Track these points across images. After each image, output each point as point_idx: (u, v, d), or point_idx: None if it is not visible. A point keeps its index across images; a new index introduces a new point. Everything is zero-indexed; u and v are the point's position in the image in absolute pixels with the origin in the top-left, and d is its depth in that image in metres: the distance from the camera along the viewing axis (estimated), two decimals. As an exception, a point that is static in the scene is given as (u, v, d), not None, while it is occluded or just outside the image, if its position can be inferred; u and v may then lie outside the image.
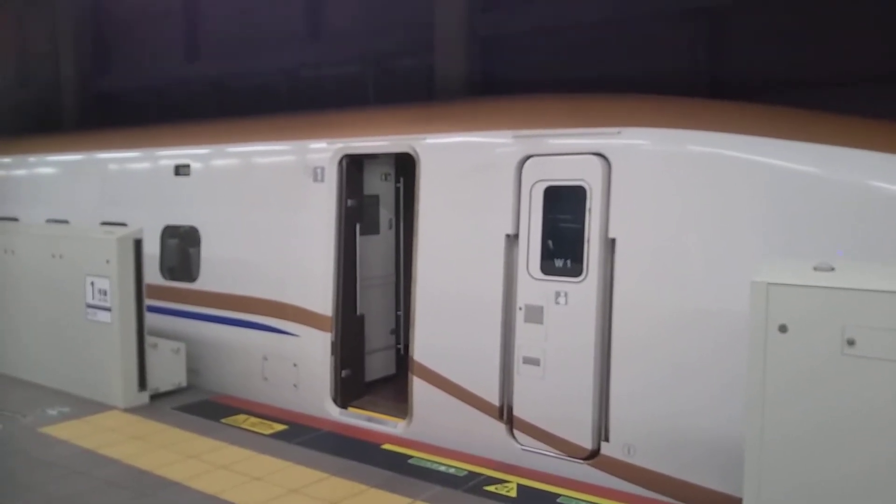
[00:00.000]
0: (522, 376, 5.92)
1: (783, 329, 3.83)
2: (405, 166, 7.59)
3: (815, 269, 3.98)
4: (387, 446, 6.15)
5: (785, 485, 3.84)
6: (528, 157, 6.02)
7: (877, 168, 4.85)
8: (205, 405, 7.30)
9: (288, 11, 12.56)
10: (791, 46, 9.46)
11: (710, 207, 5.28)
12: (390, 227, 8.35)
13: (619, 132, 5.68)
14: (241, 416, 6.93)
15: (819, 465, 3.76)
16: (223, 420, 6.83)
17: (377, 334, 7.96)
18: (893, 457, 3.59)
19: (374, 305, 7.90)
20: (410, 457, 5.88)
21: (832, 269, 3.96)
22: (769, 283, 3.88)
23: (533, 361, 5.86)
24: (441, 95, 10.54)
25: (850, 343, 3.67)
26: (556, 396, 5.74)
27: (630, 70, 9.78)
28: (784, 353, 3.83)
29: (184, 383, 7.74)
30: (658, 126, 5.59)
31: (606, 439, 5.54)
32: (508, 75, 11.84)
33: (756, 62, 10.01)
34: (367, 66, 12.22)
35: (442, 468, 5.64)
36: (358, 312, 7.52)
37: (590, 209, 5.69)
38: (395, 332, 8.30)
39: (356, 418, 7.00)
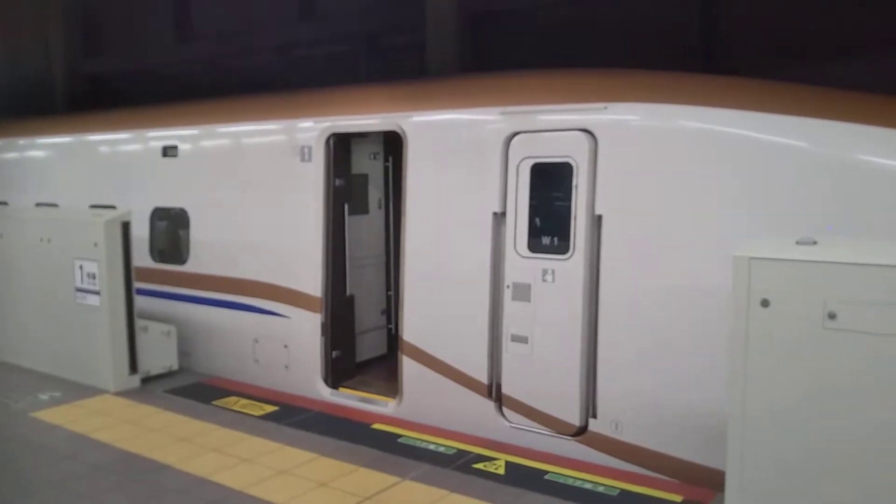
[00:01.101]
0: (511, 354, 5.91)
1: (765, 303, 3.81)
2: (394, 145, 7.54)
3: (798, 243, 3.95)
4: (377, 426, 6.17)
5: (767, 458, 3.85)
6: (515, 134, 5.97)
7: (869, 142, 4.78)
8: (196, 388, 7.31)
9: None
10: (786, 18, 9.35)
11: (696, 183, 5.23)
12: (380, 207, 8.31)
13: (605, 107, 5.62)
14: (233, 399, 6.94)
15: (800, 438, 3.77)
16: (214, 402, 6.84)
17: (368, 315, 7.96)
18: (873, 428, 3.59)
19: (365, 286, 7.89)
20: (400, 436, 5.90)
21: (815, 242, 3.93)
22: (751, 258, 3.86)
23: (521, 339, 5.86)
24: (433, 73, 10.47)
25: (832, 316, 3.65)
26: (544, 374, 5.74)
27: (624, 47, 9.71)
28: (766, 327, 3.81)
29: (175, 366, 7.75)
30: (645, 101, 5.53)
31: (594, 416, 5.55)
32: (501, 53, 11.77)
33: (750, 35, 9.93)
34: (358, 45, 12.14)
35: (431, 447, 5.66)
36: (348, 293, 7.51)
37: (576, 186, 5.64)
38: (386, 312, 8.29)
39: (347, 398, 7.01)
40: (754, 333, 3.84)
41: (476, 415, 6.05)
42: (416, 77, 9.21)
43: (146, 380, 7.44)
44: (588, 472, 5.17)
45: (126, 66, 14.73)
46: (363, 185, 8.05)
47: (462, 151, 6.29)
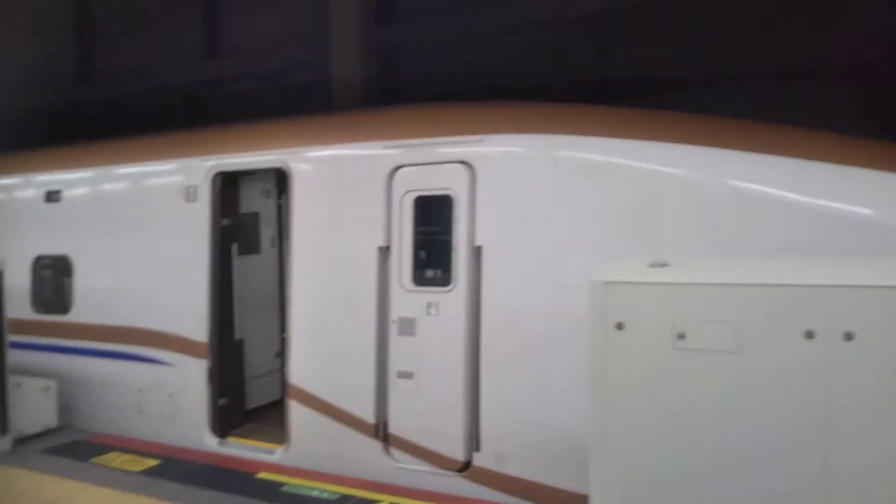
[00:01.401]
0: (397, 391, 5.76)
1: (620, 326, 3.79)
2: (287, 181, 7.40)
3: (651, 265, 3.96)
4: (262, 475, 5.89)
5: (628, 478, 3.78)
6: (397, 168, 5.92)
7: (737, 168, 4.87)
8: (76, 446, 6.87)
9: (185, 26, 12.30)
10: (673, 50, 9.72)
11: (570, 211, 5.25)
12: (273, 246, 8.11)
13: (482, 139, 5.63)
14: (113, 455, 6.54)
15: (657, 455, 3.71)
16: (92, 460, 6.42)
17: (260, 359, 7.69)
18: (726, 442, 3.56)
19: (256, 328, 7.63)
20: (284, 484, 5.64)
21: (666, 265, 3.95)
22: (606, 282, 3.84)
23: (407, 375, 5.72)
24: (340, 107, 10.41)
25: (681, 336, 3.65)
26: (429, 410, 5.61)
27: (525, 76, 9.87)
28: (622, 350, 3.78)
29: (54, 423, 7.29)
30: (519, 132, 5.56)
31: (478, 449, 5.42)
32: (411, 90, 11.80)
33: (641, 65, 10.25)
34: (264, 82, 12.02)
35: (315, 493, 5.42)
36: (236, 337, 7.24)
37: (457, 218, 5.61)
38: (281, 355, 8.04)
39: (235, 448, 6.71)
40: (611, 356, 3.80)
41: (363, 457, 5.85)
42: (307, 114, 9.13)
43: (21, 440, 6.95)
44: (472, 509, 5.04)
45: (28, 105, 14.19)
46: (254, 223, 7.86)
47: (346, 186, 6.20)
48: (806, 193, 4.63)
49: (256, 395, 7.61)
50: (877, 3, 8.38)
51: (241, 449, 6.67)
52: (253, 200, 7.80)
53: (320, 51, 10.88)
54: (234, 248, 7.26)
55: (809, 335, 3.41)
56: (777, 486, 3.47)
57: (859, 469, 3.33)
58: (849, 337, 3.35)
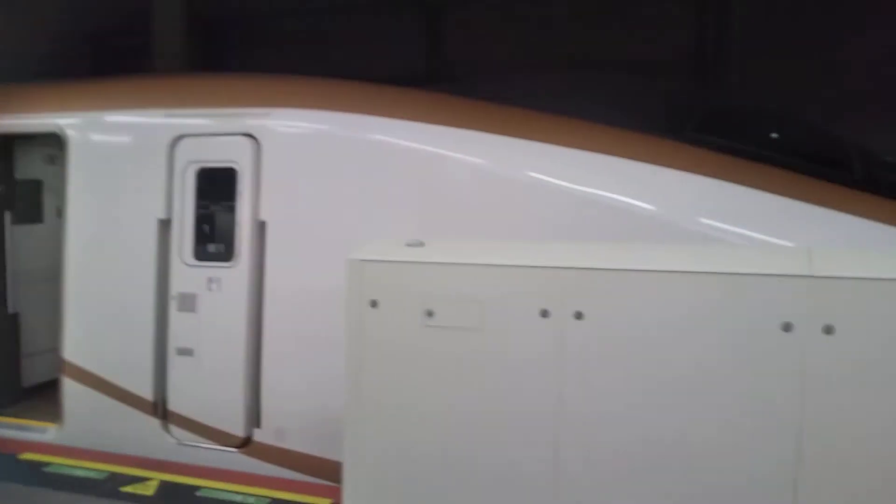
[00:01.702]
0: (176, 368, 5.64)
1: (374, 304, 3.93)
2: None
3: (407, 245, 4.12)
4: (25, 456, 5.58)
5: (380, 448, 3.96)
6: (180, 138, 5.71)
7: (521, 155, 5.13)
8: None
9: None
10: (494, 38, 10.07)
11: (353, 187, 5.32)
12: (59, 216, 7.58)
13: (268, 113, 5.56)
14: None
15: (410, 428, 3.91)
16: None
17: (40, 334, 7.21)
18: (469, 414, 3.80)
19: (36, 302, 7.13)
20: (48, 464, 5.38)
21: (422, 244, 4.12)
22: (362, 260, 3.97)
23: (187, 352, 5.61)
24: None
25: (430, 314, 3.85)
26: (209, 387, 5.54)
27: (354, 57, 9.83)
28: (376, 327, 3.94)
29: None
30: (306, 107, 5.55)
31: (258, 425, 5.45)
32: (233, 59, 11.42)
33: (465, 51, 10.52)
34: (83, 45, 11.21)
35: (80, 472, 5.22)
36: (11, 310, 6.75)
37: (240, 192, 5.52)
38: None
39: (3, 428, 6.29)
40: (367, 334, 3.95)
41: (141, 434, 5.69)
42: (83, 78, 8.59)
43: None
44: (248, 483, 5.07)
45: None
46: (35, 191, 7.30)
47: (126, 155, 5.92)
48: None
49: (37, 372, 7.13)
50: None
51: (5, 428, 6.26)
52: (33, 166, 7.24)
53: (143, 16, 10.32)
54: (8, 216, 6.73)
55: (545, 314, 3.71)
56: (512, 454, 3.76)
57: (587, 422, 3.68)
58: (579, 316, 3.67)
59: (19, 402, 6.76)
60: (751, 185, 4.58)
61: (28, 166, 7.14)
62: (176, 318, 5.64)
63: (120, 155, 5.94)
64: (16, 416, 6.51)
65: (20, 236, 6.87)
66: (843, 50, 9.04)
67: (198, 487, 4.94)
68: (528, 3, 10.25)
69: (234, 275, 5.52)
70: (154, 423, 5.70)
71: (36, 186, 7.32)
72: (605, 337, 3.64)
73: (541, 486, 3.73)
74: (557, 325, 3.70)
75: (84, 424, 5.93)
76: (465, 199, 5.11)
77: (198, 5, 10.49)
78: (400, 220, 5.20)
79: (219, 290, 5.56)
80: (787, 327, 3.25)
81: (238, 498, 4.79)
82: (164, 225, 5.72)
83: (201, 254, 5.64)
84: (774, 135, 5.83)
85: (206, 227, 5.67)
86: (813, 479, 3.30)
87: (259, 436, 5.44)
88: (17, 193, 6.89)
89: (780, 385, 3.31)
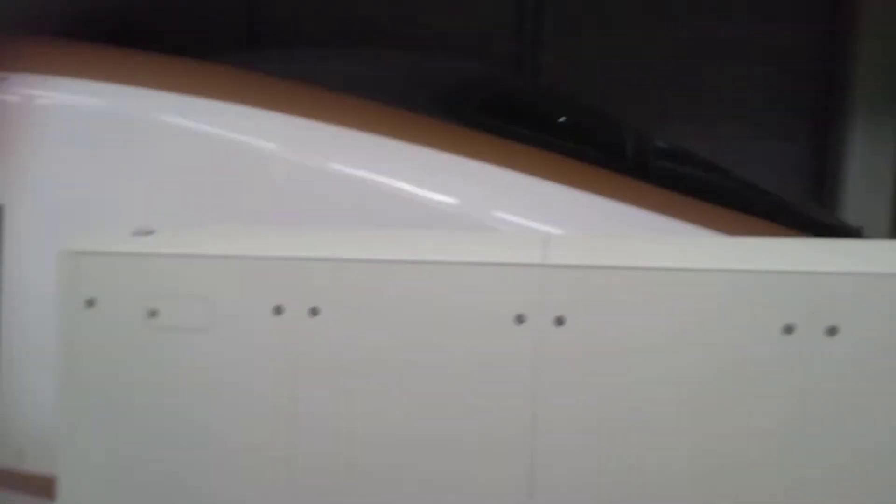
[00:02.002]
0: None
1: (91, 303, 3.44)
2: None
3: (133, 234, 3.64)
4: None
5: (104, 462, 3.47)
6: None
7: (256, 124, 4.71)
8: None
9: None
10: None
11: (98, 163, 4.73)
12: None
13: (6, 78, 4.84)
14: None
15: (138, 439, 3.46)
16: None
17: None
18: (209, 423, 3.42)
19: None
20: None
21: (152, 232, 3.66)
22: (76, 252, 3.46)
23: None
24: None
25: (153, 314, 3.41)
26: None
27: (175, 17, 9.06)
28: (92, 329, 3.45)
29: None
30: (40, 72, 4.87)
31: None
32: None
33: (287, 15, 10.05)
34: None
35: None
36: None
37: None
38: None
39: None
40: (81, 337, 3.45)
41: None
42: None
43: None
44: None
45: None
46: None
47: None
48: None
49: None
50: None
51: None
52: None
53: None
54: None
55: (278, 311, 3.37)
56: (247, 461, 3.41)
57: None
58: (314, 312, 3.34)
59: None
60: (513, 168, 4.44)
61: None
62: None
63: None
64: None
65: None
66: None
67: None
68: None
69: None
70: None
71: None
72: (342, 336, 3.29)
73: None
74: (290, 322, 3.35)
75: None
76: (209, 179, 4.67)
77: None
78: (159, 203, 4.69)
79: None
80: (519, 319, 3.10)
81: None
82: None
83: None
84: (561, 119, 5.81)
85: None
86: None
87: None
88: None
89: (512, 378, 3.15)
